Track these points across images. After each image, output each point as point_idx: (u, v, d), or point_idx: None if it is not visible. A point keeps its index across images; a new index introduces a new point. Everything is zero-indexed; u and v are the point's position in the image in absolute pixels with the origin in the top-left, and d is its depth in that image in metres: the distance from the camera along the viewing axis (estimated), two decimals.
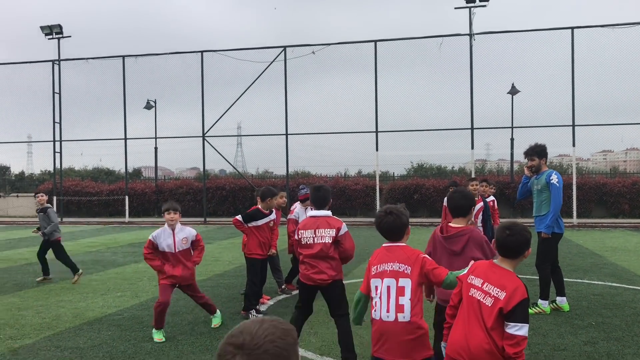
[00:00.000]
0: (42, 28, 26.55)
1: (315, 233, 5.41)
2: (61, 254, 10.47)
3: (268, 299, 8.47)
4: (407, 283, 3.67)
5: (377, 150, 23.63)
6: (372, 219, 20.16)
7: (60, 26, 26.53)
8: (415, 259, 3.73)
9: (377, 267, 3.81)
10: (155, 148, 29.54)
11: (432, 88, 25.73)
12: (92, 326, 7.01)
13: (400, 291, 3.67)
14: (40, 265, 10.58)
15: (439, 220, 20.32)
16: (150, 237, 6.68)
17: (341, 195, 26.66)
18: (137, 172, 40.74)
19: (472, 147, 23.12)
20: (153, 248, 6.66)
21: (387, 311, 3.67)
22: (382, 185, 25.48)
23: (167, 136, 27.58)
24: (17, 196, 33.06)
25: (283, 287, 9.02)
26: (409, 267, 3.70)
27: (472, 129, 23.01)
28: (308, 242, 5.44)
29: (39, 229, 10.74)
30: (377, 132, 23.51)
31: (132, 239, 18.42)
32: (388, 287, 3.70)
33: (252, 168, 32.44)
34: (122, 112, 26.29)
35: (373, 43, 23.34)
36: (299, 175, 30.70)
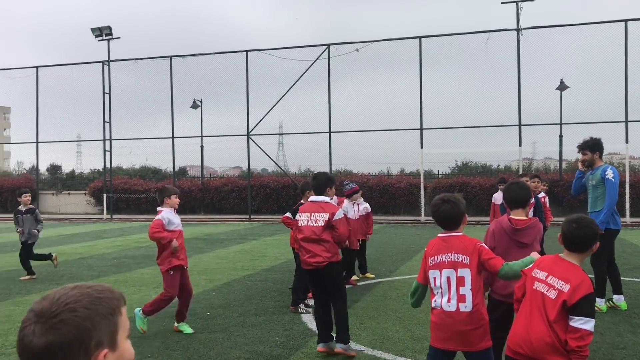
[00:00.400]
0: (92, 30, 27.35)
1: (310, 216, 5.65)
2: (27, 255, 10.39)
3: None
4: (466, 273, 3.64)
5: (421, 147, 23.43)
6: (416, 218, 20.06)
7: (109, 28, 27.27)
8: (473, 248, 3.70)
9: (434, 259, 3.78)
10: (202, 147, 30.04)
11: (478, 84, 25.35)
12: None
13: (460, 281, 3.64)
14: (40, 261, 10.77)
15: (486, 218, 19.97)
16: (161, 218, 6.68)
17: (384, 193, 26.52)
18: (183, 171, 41.49)
19: (520, 144, 22.67)
20: (162, 228, 6.75)
21: (448, 301, 3.65)
22: (426, 184, 25.23)
23: (213, 135, 27.98)
24: (69, 194, 34.12)
25: None
26: (467, 257, 3.67)
27: (519, 125, 22.56)
28: (302, 225, 5.68)
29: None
30: (421, 129, 23.31)
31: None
32: (448, 278, 3.67)
33: (293, 166, 32.50)
34: (169, 112, 26.83)
35: (418, 39, 23.14)
36: (341, 173, 30.70)
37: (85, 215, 30.24)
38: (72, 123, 30.80)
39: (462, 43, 23.36)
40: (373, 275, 10.05)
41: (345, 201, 9.43)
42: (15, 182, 33.76)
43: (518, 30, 22.35)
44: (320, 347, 5.62)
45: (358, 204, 9.81)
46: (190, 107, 30.10)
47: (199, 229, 20.71)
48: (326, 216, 5.55)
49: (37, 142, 28.94)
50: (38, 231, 10.61)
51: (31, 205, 10.72)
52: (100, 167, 44.35)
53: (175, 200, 6.87)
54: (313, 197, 5.82)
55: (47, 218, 28.26)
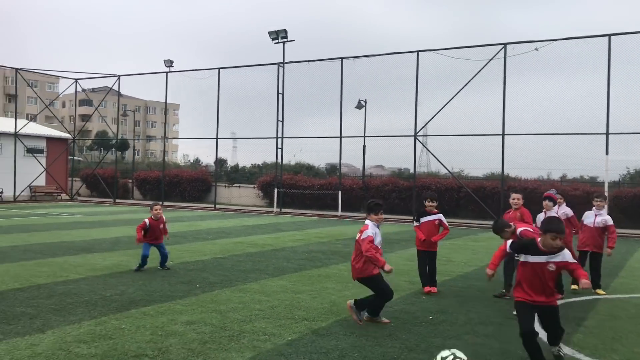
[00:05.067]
0: (269, 33, 28.88)
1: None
2: None
3: None
4: None
5: (607, 154, 21.67)
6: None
7: (285, 31, 28.60)
8: None
9: None
10: (364, 146, 30.49)
11: None
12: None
13: None
14: None
15: None
16: None
17: None
18: (334, 169, 42.45)
19: None
20: None
21: None
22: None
23: (379, 135, 28.18)
24: (239, 187, 36.39)
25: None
26: None
27: None
28: None
29: None
30: (607, 134, 21.55)
31: (355, 232, 19.09)
32: None
33: (460, 169, 31.51)
34: (333, 111, 27.45)
35: (607, 37, 21.42)
36: (509, 178, 29.51)
37: (253, 207, 32.02)
38: (228, 121, 32.65)
39: None
40: (604, 293, 9.41)
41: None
42: (194, 175, 36.80)
43: None
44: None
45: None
46: (355, 107, 30.67)
47: None
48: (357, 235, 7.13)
49: (217, 138, 31.15)
50: None
51: None
52: (259, 162, 47.06)
53: None
54: None
55: (223, 208, 30.39)
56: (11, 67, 34.66)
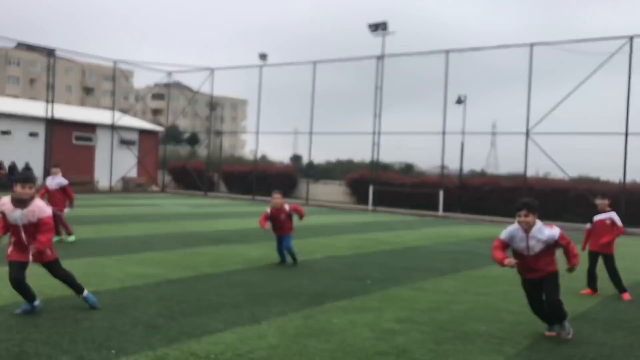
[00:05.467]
0: (369, 26, 28.42)
1: None
2: None
3: None
4: None
5: None
6: None
7: (385, 23, 28.05)
8: None
9: None
10: (462, 144, 29.58)
11: None
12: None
13: None
14: None
15: None
16: None
17: None
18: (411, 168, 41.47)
19: None
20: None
21: None
22: None
23: (481, 132, 27.23)
24: (324, 183, 36.13)
25: None
26: None
27: None
28: None
29: None
30: None
31: (474, 234, 18.39)
32: None
33: (573, 170, 29.61)
34: (442, 107, 26.59)
35: None
36: (592, 181, 27.89)
37: (341, 203, 31.54)
38: (294, 116, 31.99)
39: None
40: None
41: None
42: (281, 170, 36.89)
43: None
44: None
45: None
46: (455, 103, 29.80)
47: (483, 230, 20.21)
48: None
49: (311, 133, 30.95)
50: None
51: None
52: (331, 159, 46.80)
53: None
54: None
55: (314, 204, 30.18)
56: (109, 59, 35.74)
